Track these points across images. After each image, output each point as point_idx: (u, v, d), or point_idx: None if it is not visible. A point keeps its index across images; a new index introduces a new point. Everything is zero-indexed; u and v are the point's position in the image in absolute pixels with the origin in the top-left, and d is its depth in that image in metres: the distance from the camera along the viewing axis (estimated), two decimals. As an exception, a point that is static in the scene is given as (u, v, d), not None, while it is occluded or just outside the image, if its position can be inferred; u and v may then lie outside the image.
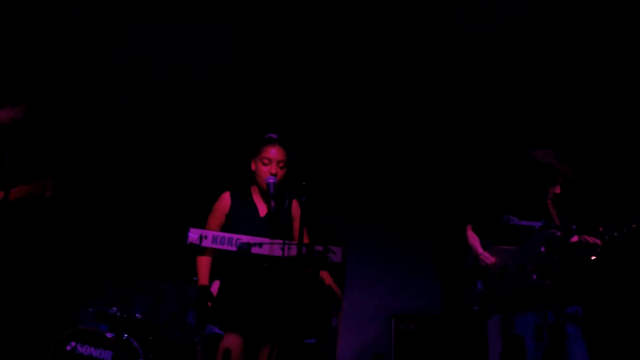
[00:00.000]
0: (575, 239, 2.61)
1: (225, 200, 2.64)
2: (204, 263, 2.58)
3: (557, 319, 2.62)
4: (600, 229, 2.51)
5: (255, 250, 2.21)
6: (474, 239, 2.98)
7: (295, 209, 2.70)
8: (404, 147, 5.11)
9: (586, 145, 3.73)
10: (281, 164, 2.58)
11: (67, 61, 4.03)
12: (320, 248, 2.21)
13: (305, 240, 2.57)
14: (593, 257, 2.53)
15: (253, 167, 2.64)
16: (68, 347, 3.85)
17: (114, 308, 4.19)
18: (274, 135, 2.65)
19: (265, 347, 2.42)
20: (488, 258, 2.83)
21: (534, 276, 2.62)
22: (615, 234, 2.49)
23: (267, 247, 2.24)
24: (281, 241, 2.23)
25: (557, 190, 2.80)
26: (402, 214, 5.85)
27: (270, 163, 2.56)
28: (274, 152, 2.58)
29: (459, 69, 3.93)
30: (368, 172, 5.59)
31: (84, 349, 3.83)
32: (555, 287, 2.59)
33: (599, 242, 2.49)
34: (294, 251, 2.20)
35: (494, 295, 2.76)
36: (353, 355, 5.04)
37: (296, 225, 2.68)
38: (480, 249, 2.91)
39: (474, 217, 3.06)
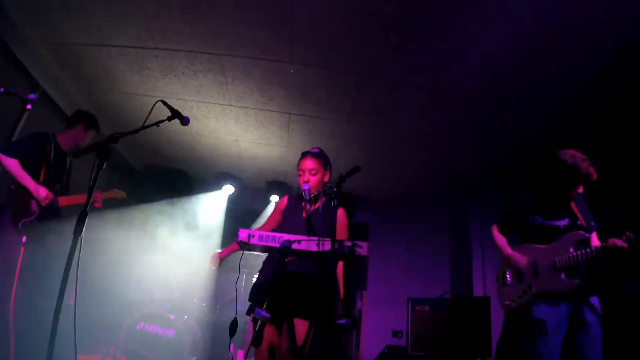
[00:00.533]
0: (600, 242, 2.77)
1: (283, 201, 3.17)
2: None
3: (577, 308, 2.77)
4: (628, 233, 2.66)
5: (295, 246, 2.48)
6: (501, 239, 3.18)
7: (342, 216, 3.03)
8: (426, 146, 5.20)
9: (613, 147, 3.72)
10: (313, 172, 3.01)
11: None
12: (349, 243, 2.45)
13: (344, 237, 2.90)
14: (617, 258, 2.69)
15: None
16: (138, 327, 4.29)
17: (176, 294, 4.68)
18: (311, 150, 3.08)
19: (302, 327, 2.72)
20: (520, 259, 3.00)
21: (562, 275, 2.83)
22: None
23: (305, 243, 2.51)
24: (317, 238, 2.50)
25: (580, 190, 2.96)
26: (420, 210, 6.26)
27: (303, 174, 3.02)
28: (304, 164, 3.04)
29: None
30: (391, 172, 5.86)
31: (151, 328, 4.26)
32: (580, 282, 2.79)
33: (626, 245, 2.64)
34: (327, 246, 2.46)
35: (529, 291, 2.91)
36: (375, 331, 5.63)
37: (341, 228, 3.01)
38: (509, 250, 3.10)
39: (502, 219, 3.24)
